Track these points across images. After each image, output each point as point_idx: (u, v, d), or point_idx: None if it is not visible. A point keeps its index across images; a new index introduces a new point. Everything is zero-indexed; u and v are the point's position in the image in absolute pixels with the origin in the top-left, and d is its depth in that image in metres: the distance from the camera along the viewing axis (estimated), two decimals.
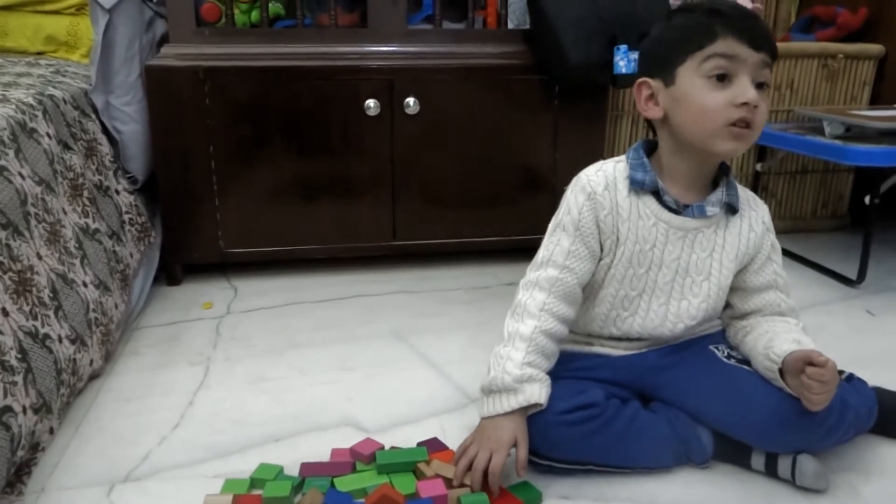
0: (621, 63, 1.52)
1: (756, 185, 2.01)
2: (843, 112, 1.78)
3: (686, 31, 0.90)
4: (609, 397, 0.96)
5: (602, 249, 0.98)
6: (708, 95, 0.87)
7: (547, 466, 0.93)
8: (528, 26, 1.68)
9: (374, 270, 1.72)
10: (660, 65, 0.92)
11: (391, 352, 1.32)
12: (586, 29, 1.53)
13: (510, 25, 1.72)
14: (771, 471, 0.93)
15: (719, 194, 0.96)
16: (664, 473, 0.95)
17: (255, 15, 1.65)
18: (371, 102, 1.60)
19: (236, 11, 1.62)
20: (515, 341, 0.93)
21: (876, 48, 1.97)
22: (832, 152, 1.64)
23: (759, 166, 1.98)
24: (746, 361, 0.98)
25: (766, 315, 1.01)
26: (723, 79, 0.87)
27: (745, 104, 0.86)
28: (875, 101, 2.02)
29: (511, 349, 0.92)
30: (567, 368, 1.01)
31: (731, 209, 0.97)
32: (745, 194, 1.01)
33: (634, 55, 1.53)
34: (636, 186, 0.95)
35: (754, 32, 0.87)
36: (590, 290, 1.01)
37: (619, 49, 1.52)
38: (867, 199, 1.60)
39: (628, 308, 1.00)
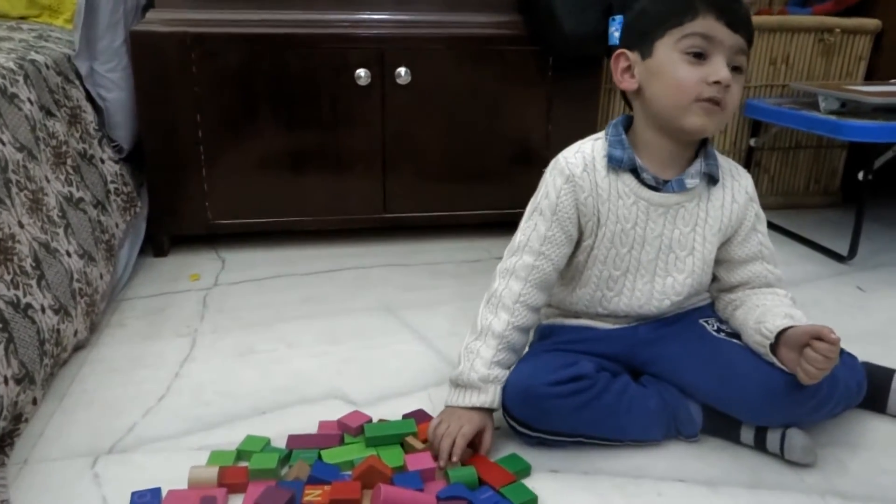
0: (616, 34, 1.50)
1: (749, 161, 1.99)
2: (839, 87, 1.76)
3: (668, 6, 0.89)
4: (599, 370, 0.95)
5: (583, 232, 0.97)
6: (683, 69, 0.88)
7: (537, 439, 0.93)
8: None
9: (364, 243, 1.71)
10: (640, 37, 0.92)
11: (380, 325, 1.31)
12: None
13: None
14: (760, 445, 0.93)
15: (698, 165, 0.95)
16: (653, 447, 0.95)
17: None
18: (362, 72, 1.57)
19: None
20: (487, 337, 0.94)
21: (872, 23, 1.94)
22: (827, 127, 1.62)
23: (752, 141, 1.97)
24: (736, 335, 0.98)
25: (754, 287, 1.01)
26: (699, 56, 0.87)
27: (717, 83, 0.87)
28: (871, 77, 2.00)
29: (482, 345, 0.94)
30: (557, 341, 1.00)
31: (712, 179, 0.96)
32: (727, 164, 1.00)
33: None
34: (614, 164, 0.94)
35: (735, 15, 0.87)
36: (574, 272, 1.00)
37: (614, 19, 1.50)
38: (861, 175, 1.59)
39: (613, 288, 0.99)
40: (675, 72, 0.88)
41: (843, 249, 1.65)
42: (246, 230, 1.65)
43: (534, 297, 0.96)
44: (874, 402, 1.02)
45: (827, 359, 0.83)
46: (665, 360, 0.99)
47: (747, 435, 0.95)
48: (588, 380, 0.92)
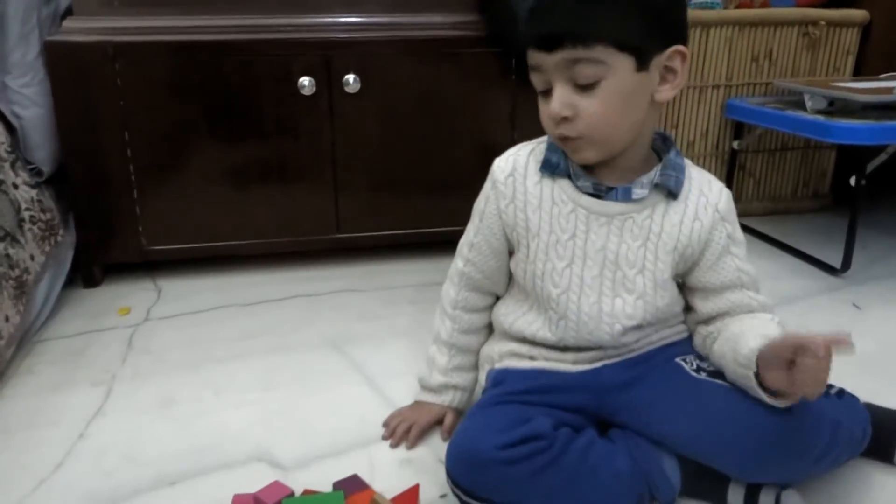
0: None
1: (733, 164, 1.87)
2: (826, 84, 1.64)
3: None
4: (558, 426, 0.81)
5: (512, 244, 0.89)
6: (540, 107, 0.81)
7: None
8: None
9: (316, 266, 1.57)
10: None
11: (323, 365, 1.16)
12: None
13: None
14: None
15: (652, 174, 0.83)
16: None
17: None
18: (305, 80, 1.43)
19: None
20: (440, 344, 0.97)
21: (860, 14, 1.82)
22: (815, 129, 1.50)
23: (735, 144, 1.84)
24: (720, 374, 0.84)
25: (734, 316, 0.87)
26: (545, 92, 0.79)
27: (560, 119, 0.78)
28: (859, 72, 1.88)
29: (437, 352, 0.97)
30: (508, 392, 0.86)
31: (670, 193, 0.84)
32: (700, 177, 0.87)
33: None
34: (548, 169, 0.85)
35: (541, 29, 0.76)
36: (519, 291, 0.92)
37: None
38: (853, 181, 1.46)
39: (557, 310, 0.86)
40: (540, 112, 0.82)
41: (836, 260, 1.52)
42: (185, 256, 1.51)
43: (471, 300, 0.95)
44: (880, 450, 0.89)
45: (818, 362, 0.69)
46: (635, 406, 0.85)
47: (735, 496, 0.81)
48: (544, 440, 0.78)
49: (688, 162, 0.87)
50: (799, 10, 1.81)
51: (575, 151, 0.81)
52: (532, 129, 1.53)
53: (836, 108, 1.56)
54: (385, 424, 0.98)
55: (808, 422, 0.76)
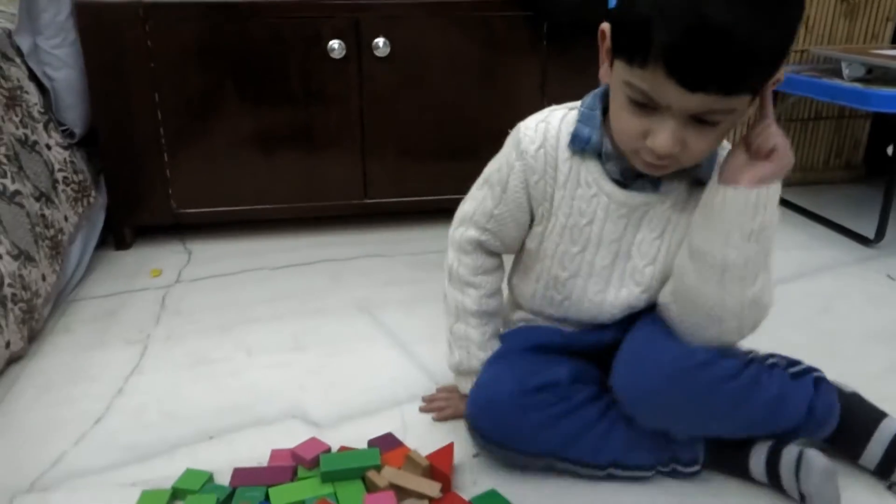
0: None
1: None
2: (864, 51, 1.60)
3: (628, 25, 0.66)
4: (574, 380, 0.81)
5: (534, 217, 0.83)
6: (624, 115, 0.70)
7: (503, 457, 0.82)
8: None
9: (342, 231, 1.57)
10: (612, 30, 0.70)
11: (352, 328, 1.17)
12: None
13: None
14: (773, 477, 0.79)
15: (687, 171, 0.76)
16: (649, 483, 0.82)
17: None
18: (335, 43, 1.42)
19: None
20: (467, 317, 0.88)
21: None
22: (852, 97, 1.46)
23: None
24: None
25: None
26: (643, 106, 0.67)
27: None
28: None
29: (466, 327, 0.88)
30: (523, 339, 0.87)
31: (698, 181, 0.77)
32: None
33: None
34: (578, 145, 0.77)
35: (692, 71, 0.62)
36: (527, 260, 0.87)
37: None
38: (890, 150, 1.43)
39: (562, 291, 0.84)
40: (618, 111, 0.70)
41: (869, 231, 1.50)
42: (214, 220, 1.52)
43: (488, 263, 0.88)
44: (848, 445, 0.83)
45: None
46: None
47: (757, 464, 0.80)
48: (560, 388, 0.79)
49: (724, 143, 0.78)
50: None
51: (653, 171, 0.72)
52: (562, 94, 1.53)
53: (875, 75, 1.53)
54: (425, 399, 0.97)
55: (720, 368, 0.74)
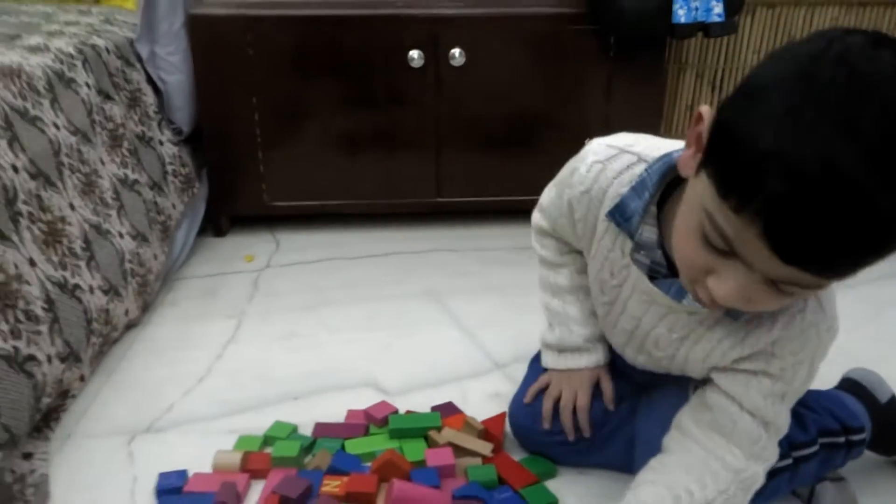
0: (680, 12, 1.41)
1: None
2: None
3: (739, 138, 0.51)
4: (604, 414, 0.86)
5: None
6: (692, 241, 0.57)
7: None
8: None
9: (416, 227, 1.69)
10: (709, 129, 0.55)
11: (422, 312, 1.29)
12: None
13: None
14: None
15: None
16: None
17: None
18: (415, 53, 1.55)
19: None
20: (562, 294, 0.86)
21: None
22: None
23: None
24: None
25: (703, 427, 0.73)
26: (716, 249, 0.55)
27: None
28: None
29: (564, 304, 0.86)
30: None
31: (730, 311, 0.67)
32: (802, 324, 0.66)
33: (695, 3, 1.42)
34: (616, 219, 0.69)
35: (805, 241, 0.49)
36: None
37: None
38: None
39: (602, 323, 0.84)
40: (686, 232, 0.58)
41: None
42: (300, 212, 1.67)
43: (568, 244, 0.84)
44: (884, 450, 0.88)
45: None
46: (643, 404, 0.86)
47: None
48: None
49: (814, 295, 0.66)
50: None
51: (703, 306, 0.63)
52: (624, 105, 1.62)
53: None
54: (544, 412, 0.88)
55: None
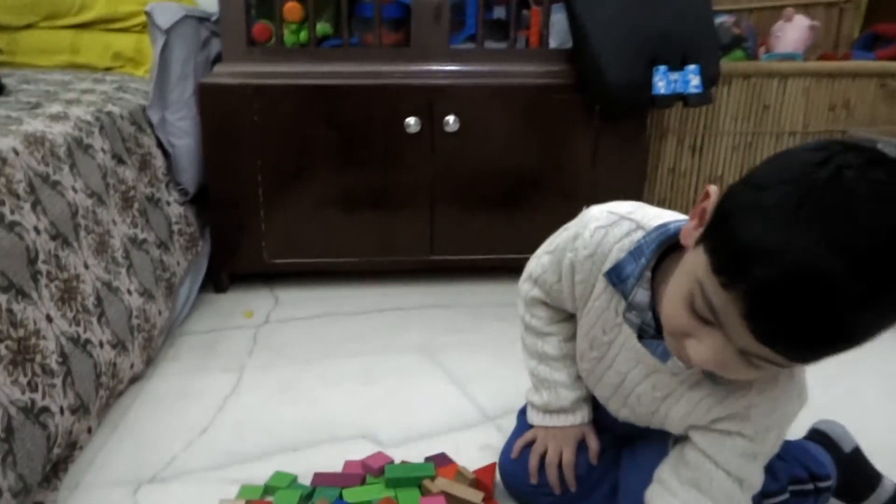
0: (660, 84, 1.51)
1: None
2: None
3: (733, 226, 0.57)
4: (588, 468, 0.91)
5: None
6: (679, 302, 0.63)
7: None
8: (570, 45, 1.69)
9: (410, 284, 1.76)
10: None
11: (416, 366, 1.35)
12: (626, 50, 1.53)
13: (552, 45, 1.72)
14: None
15: None
16: None
17: (303, 35, 1.71)
18: (411, 120, 1.64)
19: (286, 32, 1.69)
20: (549, 361, 0.91)
21: None
22: None
23: None
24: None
25: (683, 482, 0.78)
26: (698, 316, 0.61)
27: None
28: None
29: (550, 370, 0.91)
30: None
31: (711, 375, 0.73)
32: (771, 393, 0.72)
33: (674, 76, 1.52)
34: (611, 278, 0.75)
35: (781, 328, 0.55)
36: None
37: (657, 70, 1.51)
38: None
39: (586, 379, 0.90)
40: (676, 294, 0.64)
41: None
42: (299, 269, 1.73)
43: (561, 313, 0.89)
44: (850, 499, 0.93)
45: None
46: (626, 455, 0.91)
47: None
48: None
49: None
50: (877, 63, 1.89)
51: (684, 364, 0.70)
52: (610, 169, 1.71)
53: None
54: (531, 469, 0.92)
55: None
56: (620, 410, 0.85)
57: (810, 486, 0.85)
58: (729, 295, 0.56)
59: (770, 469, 0.82)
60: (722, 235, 0.58)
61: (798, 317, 0.53)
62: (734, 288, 0.56)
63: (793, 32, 1.97)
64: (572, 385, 0.90)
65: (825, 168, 0.54)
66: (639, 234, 0.75)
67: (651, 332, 0.74)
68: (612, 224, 0.77)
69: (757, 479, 0.76)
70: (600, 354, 0.82)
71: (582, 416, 0.91)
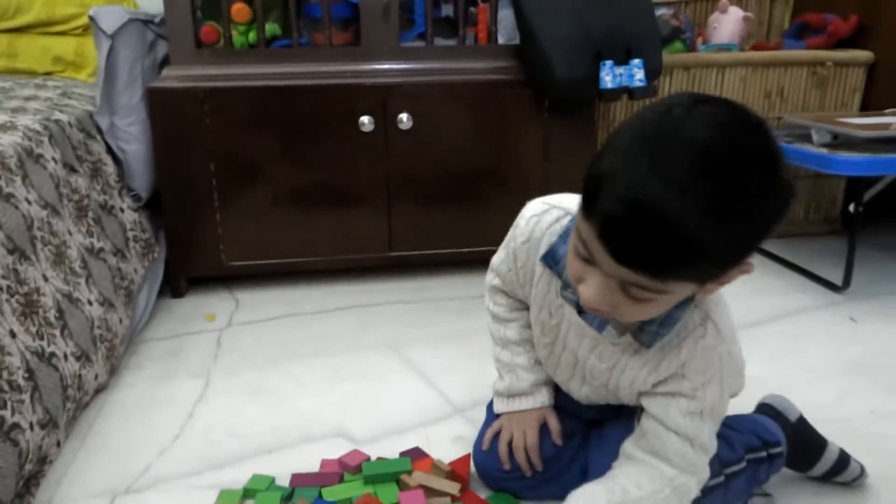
0: (607, 78, 1.56)
1: None
2: (831, 119, 1.81)
3: (589, 171, 0.65)
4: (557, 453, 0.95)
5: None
6: (571, 257, 0.71)
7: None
8: (518, 41, 1.72)
9: (371, 281, 1.77)
10: None
11: (383, 362, 1.37)
12: (573, 46, 1.57)
13: (500, 41, 1.76)
14: None
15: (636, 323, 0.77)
16: None
17: (252, 36, 1.70)
18: (365, 119, 1.65)
19: (234, 33, 1.68)
20: (510, 346, 0.97)
21: (865, 55, 1.99)
22: (818, 161, 1.67)
23: None
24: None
25: (644, 451, 0.82)
26: (585, 259, 0.68)
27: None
28: (865, 108, 2.04)
29: (512, 354, 0.97)
30: None
31: (643, 340, 0.78)
32: (704, 348, 0.76)
33: (620, 70, 1.57)
34: (546, 262, 0.82)
35: (621, 248, 0.62)
36: None
37: (604, 65, 1.56)
38: (851, 208, 1.63)
39: (546, 366, 0.95)
40: (569, 253, 0.72)
41: (839, 279, 1.68)
42: (258, 271, 1.73)
43: (520, 301, 0.95)
44: (798, 466, 0.98)
45: None
46: (596, 439, 0.95)
47: None
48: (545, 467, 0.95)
49: (711, 323, 0.77)
50: (808, 52, 1.99)
51: (601, 316, 0.75)
52: (562, 160, 1.75)
53: (840, 141, 1.73)
54: (501, 454, 0.96)
55: None
56: (581, 390, 0.91)
57: (764, 454, 0.91)
58: (590, 225, 0.64)
59: (728, 440, 0.89)
60: (584, 178, 0.66)
61: (638, 235, 0.60)
62: (590, 217, 0.64)
63: (728, 23, 2.06)
64: (531, 368, 0.96)
65: (658, 109, 0.63)
66: (567, 220, 0.82)
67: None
68: (544, 213, 0.85)
69: (706, 438, 0.80)
70: (552, 339, 0.88)
71: (542, 399, 0.97)
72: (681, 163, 0.59)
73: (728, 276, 0.67)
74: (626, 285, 0.65)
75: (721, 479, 0.87)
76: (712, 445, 0.81)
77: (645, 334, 0.77)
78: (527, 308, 0.94)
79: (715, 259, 0.63)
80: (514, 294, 0.95)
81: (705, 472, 0.82)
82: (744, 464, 0.90)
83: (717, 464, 0.86)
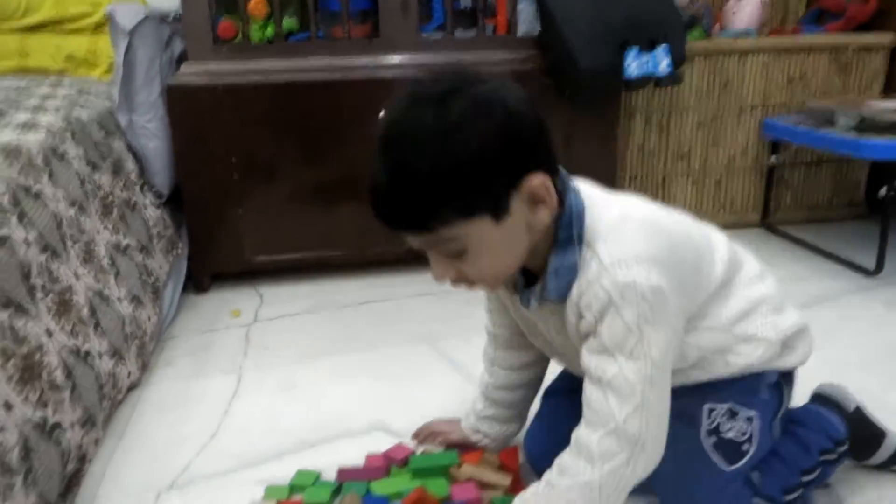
0: (633, 66, 1.55)
1: (770, 178, 2.02)
2: (856, 103, 1.79)
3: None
4: None
5: None
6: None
7: None
8: (537, 32, 1.70)
9: (397, 273, 1.76)
10: None
11: (417, 356, 1.35)
12: (596, 35, 1.55)
13: (520, 32, 1.74)
14: None
15: (539, 286, 0.79)
16: None
17: (269, 30, 1.68)
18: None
19: (252, 28, 1.66)
20: (480, 392, 1.01)
21: (887, 38, 1.97)
22: (846, 146, 1.65)
23: (773, 159, 1.99)
24: (733, 445, 0.83)
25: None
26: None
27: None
28: (888, 91, 2.02)
29: (477, 397, 1.01)
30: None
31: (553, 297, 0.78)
32: (588, 282, 0.73)
33: (645, 58, 1.56)
34: None
35: (382, 219, 0.72)
36: None
37: (629, 51, 1.54)
38: (882, 192, 1.61)
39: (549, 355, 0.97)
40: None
41: (870, 264, 1.66)
42: (282, 265, 1.71)
43: (507, 359, 0.98)
44: (856, 455, 0.95)
45: None
46: None
47: None
48: None
49: (594, 255, 0.74)
50: (828, 37, 1.97)
51: (476, 290, 0.80)
52: (584, 148, 1.73)
53: (866, 125, 1.71)
54: (416, 434, 1.05)
55: None
56: (561, 361, 0.93)
57: (835, 455, 0.89)
58: None
59: (802, 442, 0.88)
60: None
61: (379, 207, 0.71)
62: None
63: (746, 9, 2.04)
64: (478, 418, 1.01)
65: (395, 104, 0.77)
66: None
67: (521, 285, 0.82)
68: None
69: (620, 384, 0.72)
70: (530, 330, 0.90)
71: (476, 439, 1.01)
72: (396, 155, 0.70)
73: (531, 195, 0.71)
74: (434, 250, 0.73)
75: (800, 491, 0.86)
76: (631, 391, 0.72)
77: (549, 292, 0.77)
78: (518, 370, 0.98)
79: (441, 194, 0.68)
80: (504, 324, 0.97)
81: (629, 430, 0.72)
82: (819, 469, 0.88)
83: (797, 473, 0.85)
